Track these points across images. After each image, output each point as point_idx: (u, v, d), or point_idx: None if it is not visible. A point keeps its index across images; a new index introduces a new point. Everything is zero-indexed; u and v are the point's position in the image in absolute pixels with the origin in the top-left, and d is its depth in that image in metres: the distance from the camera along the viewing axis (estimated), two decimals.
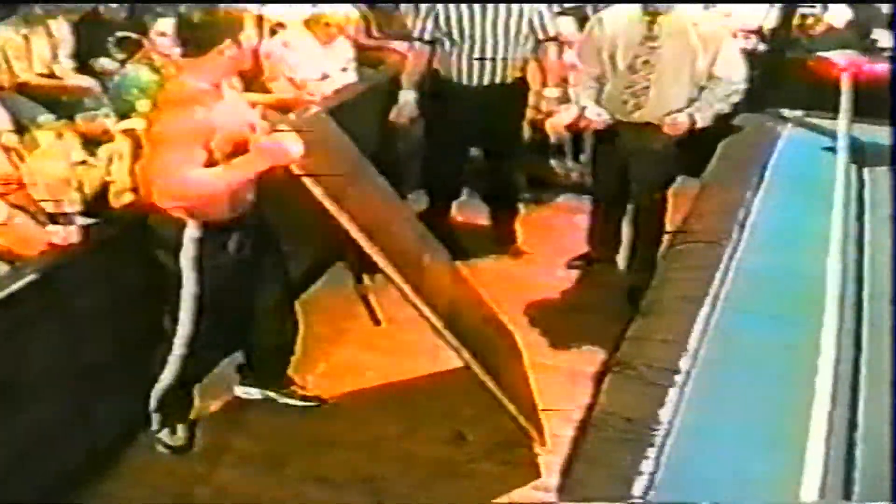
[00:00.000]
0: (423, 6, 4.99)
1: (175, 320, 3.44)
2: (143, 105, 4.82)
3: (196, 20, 3.39)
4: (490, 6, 4.82)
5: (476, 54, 4.88)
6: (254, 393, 3.90)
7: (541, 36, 4.93)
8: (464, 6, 4.83)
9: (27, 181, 4.09)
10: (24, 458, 3.16)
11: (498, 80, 4.96)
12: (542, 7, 4.94)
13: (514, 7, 4.83)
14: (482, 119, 4.97)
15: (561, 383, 4.09)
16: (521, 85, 5.11)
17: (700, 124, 4.36)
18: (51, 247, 3.42)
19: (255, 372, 3.90)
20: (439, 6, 4.88)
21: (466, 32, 4.86)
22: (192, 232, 3.29)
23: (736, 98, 4.42)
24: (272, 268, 3.67)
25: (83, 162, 4.48)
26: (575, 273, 5.00)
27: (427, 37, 4.95)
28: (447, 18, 4.86)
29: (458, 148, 5.15)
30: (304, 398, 3.87)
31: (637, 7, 4.43)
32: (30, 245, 3.53)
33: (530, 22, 4.88)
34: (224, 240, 3.39)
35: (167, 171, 3.14)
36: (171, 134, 3.17)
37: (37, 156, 4.29)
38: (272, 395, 3.87)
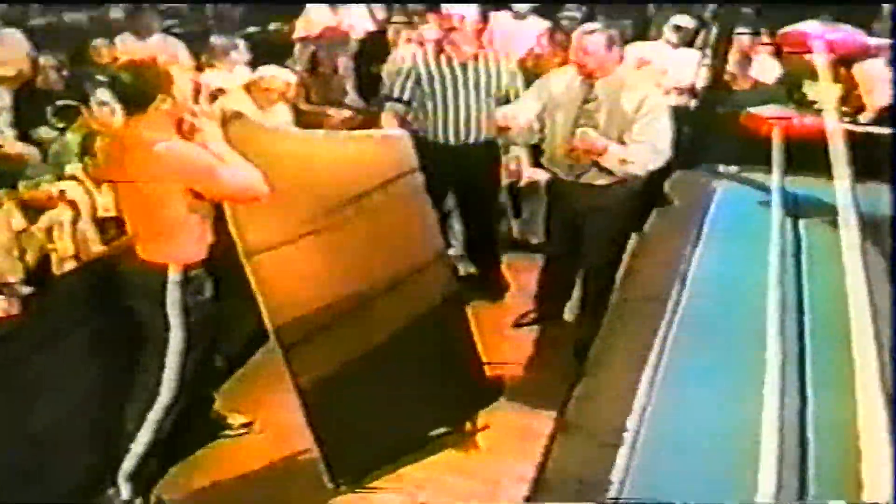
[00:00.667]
0: (404, 67, 5.17)
1: (154, 375, 3.47)
2: (74, 168, 4.81)
3: (127, 81, 3.43)
4: (469, 64, 5.04)
5: (452, 113, 5.08)
6: None
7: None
8: (444, 66, 5.04)
9: None
10: None
11: (473, 138, 5.16)
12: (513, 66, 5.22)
13: (489, 68, 5.11)
14: (461, 175, 5.19)
15: (514, 442, 4.15)
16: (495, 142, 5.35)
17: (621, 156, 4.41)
18: None
19: None
20: (420, 65, 5.08)
21: (446, 91, 5.06)
22: (174, 276, 3.38)
23: (660, 162, 4.53)
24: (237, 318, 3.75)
25: (24, 230, 4.45)
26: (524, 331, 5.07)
27: (406, 96, 5.11)
28: (429, 78, 5.05)
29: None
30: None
31: (574, 69, 4.55)
32: None
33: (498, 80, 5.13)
34: (201, 282, 3.47)
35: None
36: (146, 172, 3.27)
37: None
38: None
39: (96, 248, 4.58)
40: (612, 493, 2.49)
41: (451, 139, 5.15)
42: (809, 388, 3.09)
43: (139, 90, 3.39)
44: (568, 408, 3.13)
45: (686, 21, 7.05)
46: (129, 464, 3.53)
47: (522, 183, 5.92)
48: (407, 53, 5.36)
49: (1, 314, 3.54)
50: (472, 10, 5.03)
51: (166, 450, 3.67)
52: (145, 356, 3.50)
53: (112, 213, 4.73)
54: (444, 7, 5.13)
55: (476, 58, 5.11)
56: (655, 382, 3.12)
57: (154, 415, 3.48)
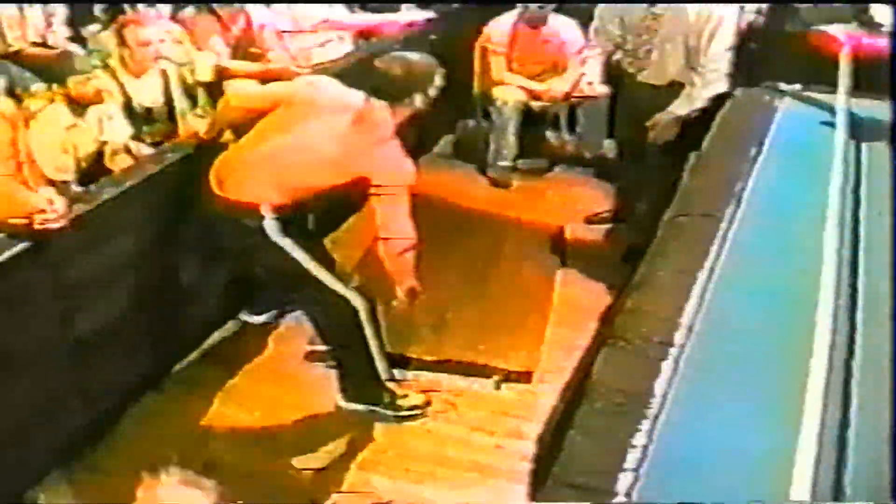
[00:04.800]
0: None
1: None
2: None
3: None
4: None
5: None
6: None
7: None
8: None
9: (22, 148, 4.06)
10: (19, 429, 3.16)
11: None
12: None
13: None
14: None
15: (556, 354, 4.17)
16: None
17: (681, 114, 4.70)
18: (38, 212, 3.39)
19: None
20: None
21: None
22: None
23: (712, 94, 4.72)
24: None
25: (73, 125, 4.45)
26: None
27: None
28: None
29: None
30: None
31: None
32: (17, 210, 3.48)
33: None
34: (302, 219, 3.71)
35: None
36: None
37: (31, 124, 4.26)
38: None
39: (126, 140, 4.57)
40: (653, 408, 2.46)
41: None
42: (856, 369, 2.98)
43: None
44: (615, 320, 3.09)
45: None
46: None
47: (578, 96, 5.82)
48: None
49: (54, 214, 3.51)
50: None
51: None
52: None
53: (147, 104, 4.73)
54: None
55: None
56: (704, 300, 3.06)
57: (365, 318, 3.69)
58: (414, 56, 3.72)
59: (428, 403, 3.89)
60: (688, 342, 2.79)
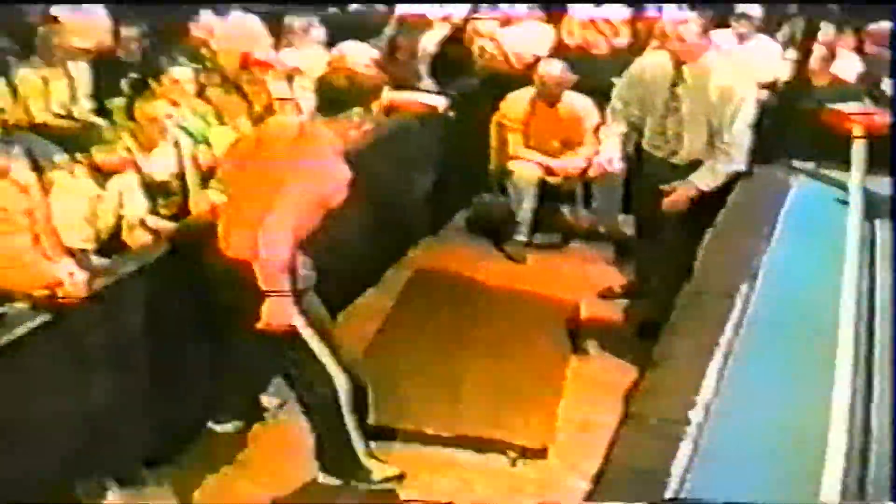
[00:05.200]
0: None
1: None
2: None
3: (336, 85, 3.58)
4: None
5: None
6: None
7: None
8: None
9: (40, 218, 4.12)
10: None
11: None
12: None
13: None
14: None
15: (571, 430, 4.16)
16: None
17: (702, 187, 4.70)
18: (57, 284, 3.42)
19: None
20: None
21: None
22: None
23: (734, 170, 4.73)
24: None
25: (97, 196, 4.51)
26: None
27: None
28: None
29: None
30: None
31: (666, 55, 4.73)
32: (38, 281, 3.52)
33: None
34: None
35: None
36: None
37: (54, 195, 4.32)
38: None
39: (144, 213, 4.64)
40: (671, 487, 2.44)
41: None
42: (876, 392, 3.00)
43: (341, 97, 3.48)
44: (632, 398, 3.09)
45: (754, 10, 6.89)
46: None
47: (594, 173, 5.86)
48: None
49: (68, 282, 3.54)
50: None
51: None
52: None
53: (163, 179, 4.81)
54: None
55: None
56: (723, 378, 3.06)
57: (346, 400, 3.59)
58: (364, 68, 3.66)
59: (402, 476, 3.82)
60: (705, 420, 2.78)
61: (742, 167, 4.73)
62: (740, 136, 4.63)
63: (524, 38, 7.56)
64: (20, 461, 3.10)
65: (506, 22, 7.71)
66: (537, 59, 6.61)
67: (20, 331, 3.08)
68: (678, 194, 4.74)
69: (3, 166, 4.01)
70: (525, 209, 6.17)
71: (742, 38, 6.77)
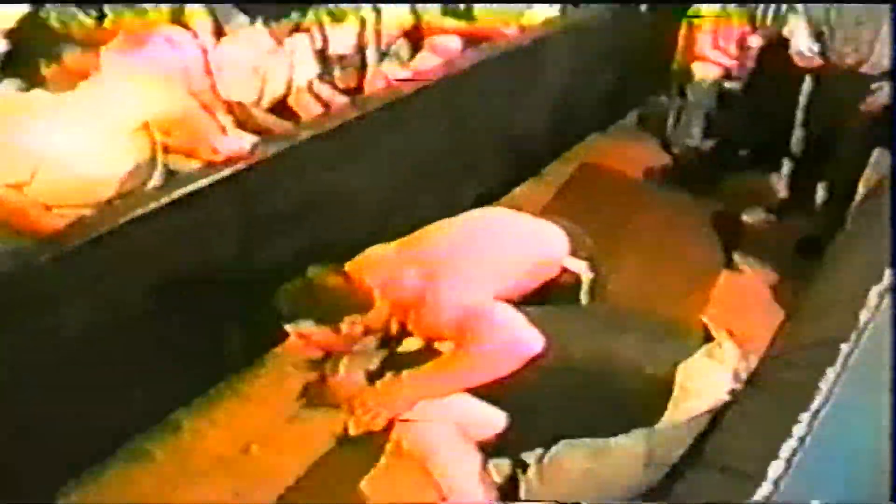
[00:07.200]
0: None
1: None
2: None
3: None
4: None
5: None
6: None
7: None
8: None
9: (214, 69, 4.23)
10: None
11: None
12: None
13: None
14: None
15: None
16: None
17: None
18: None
19: None
20: None
21: None
22: None
23: None
24: None
25: (274, 51, 4.56)
26: None
27: None
28: None
29: None
30: None
31: None
32: (202, 144, 3.57)
33: None
34: None
35: None
36: None
37: (226, 41, 4.42)
38: None
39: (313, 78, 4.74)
40: (817, 402, 2.31)
41: None
42: None
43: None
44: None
45: None
46: None
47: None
48: None
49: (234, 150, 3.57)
50: None
51: None
52: None
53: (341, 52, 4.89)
54: None
55: None
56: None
57: None
58: None
59: None
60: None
61: None
62: None
63: None
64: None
65: None
66: None
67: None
68: (876, 97, 4.57)
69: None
70: (700, 113, 5.97)
71: None
